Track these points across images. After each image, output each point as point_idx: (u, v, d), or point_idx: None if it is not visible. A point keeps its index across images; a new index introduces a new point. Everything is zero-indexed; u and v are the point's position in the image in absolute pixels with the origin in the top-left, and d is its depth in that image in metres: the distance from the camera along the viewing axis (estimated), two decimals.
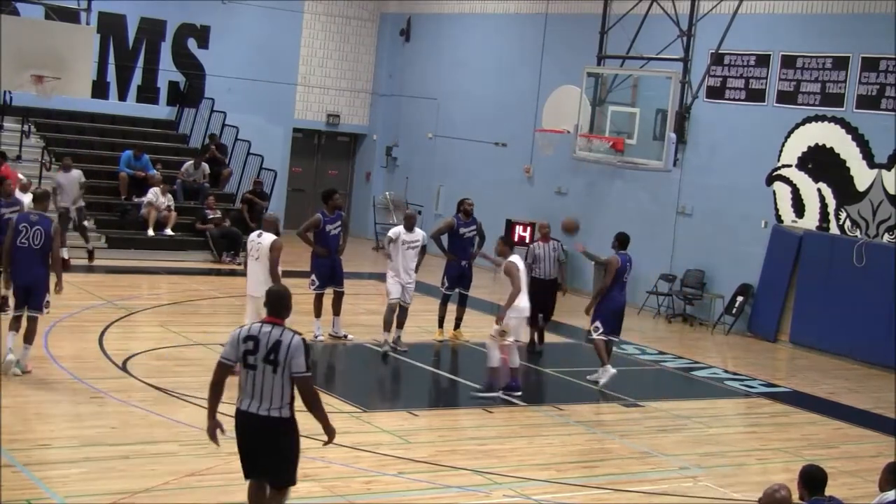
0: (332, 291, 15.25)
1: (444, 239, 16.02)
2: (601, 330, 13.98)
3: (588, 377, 14.31)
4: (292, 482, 7.63)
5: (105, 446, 9.98)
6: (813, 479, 7.29)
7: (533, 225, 22.26)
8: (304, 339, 7.42)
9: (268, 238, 12.74)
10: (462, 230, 16.12)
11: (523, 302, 13.06)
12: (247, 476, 7.63)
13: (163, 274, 19.77)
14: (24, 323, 11.97)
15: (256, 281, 12.66)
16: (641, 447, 11.71)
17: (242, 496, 8.97)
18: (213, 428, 7.56)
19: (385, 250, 15.29)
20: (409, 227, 15.07)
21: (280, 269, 12.75)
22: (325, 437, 7.69)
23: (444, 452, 10.77)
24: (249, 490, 7.71)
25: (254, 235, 13.02)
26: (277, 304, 7.53)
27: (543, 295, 15.65)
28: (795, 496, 7.44)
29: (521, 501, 9.65)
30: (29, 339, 11.94)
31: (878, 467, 7.81)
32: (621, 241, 14.27)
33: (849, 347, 17.62)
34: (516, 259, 13.15)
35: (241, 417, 7.46)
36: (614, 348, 14.60)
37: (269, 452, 7.45)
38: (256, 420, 7.36)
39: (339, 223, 15.19)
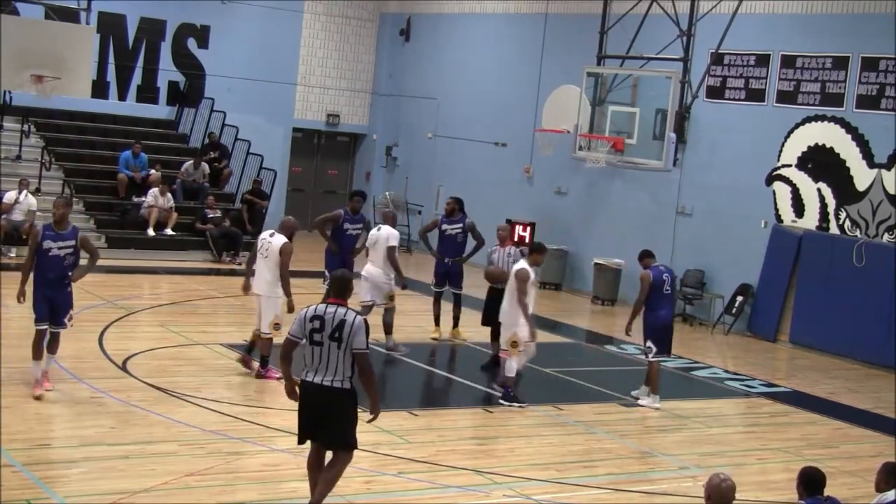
0: None
1: (432, 237, 16.05)
2: (654, 351, 13.15)
3: (632, 392, 13.58)
4: (353, 445, 8.39)
5: (105, 446, 9.98)
6: (811, 481, 7.32)
7: (533, 225, 22.26)
8: (365, 320, 8.21)
9: (279, 239, 12.63)
10: (444, 227, 16.15)
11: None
12: (303, 441, 8.41)
13: (163, 274, 19.77)
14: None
15: (263, 280, 12.65)
16: (641, 447, 11.71)
17: (243, 496, 9.04)
18: (291, 387, 8.40)
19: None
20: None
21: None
22: (371, 415, 8.44)
23: (444, 452, 10.77)
24: (310, 454, 8.45)
25: (266, 234, 12.87)
26: (342, 287, 8.38)
27: (498, 304, 13.58)
28: (795, 496, 7.47)
29: (521, 501, 9.65)
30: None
31: (877, 467, 7.81)
32: (649, 254, 13.49)
33: (849, 347, 17.60)
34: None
35: (307, 387, 8.24)
36: (613, 348, 14.53)
37: (331, 419, 8.22)
38: (322, 390, 8.15)
39: (360, 225, 15.29)
